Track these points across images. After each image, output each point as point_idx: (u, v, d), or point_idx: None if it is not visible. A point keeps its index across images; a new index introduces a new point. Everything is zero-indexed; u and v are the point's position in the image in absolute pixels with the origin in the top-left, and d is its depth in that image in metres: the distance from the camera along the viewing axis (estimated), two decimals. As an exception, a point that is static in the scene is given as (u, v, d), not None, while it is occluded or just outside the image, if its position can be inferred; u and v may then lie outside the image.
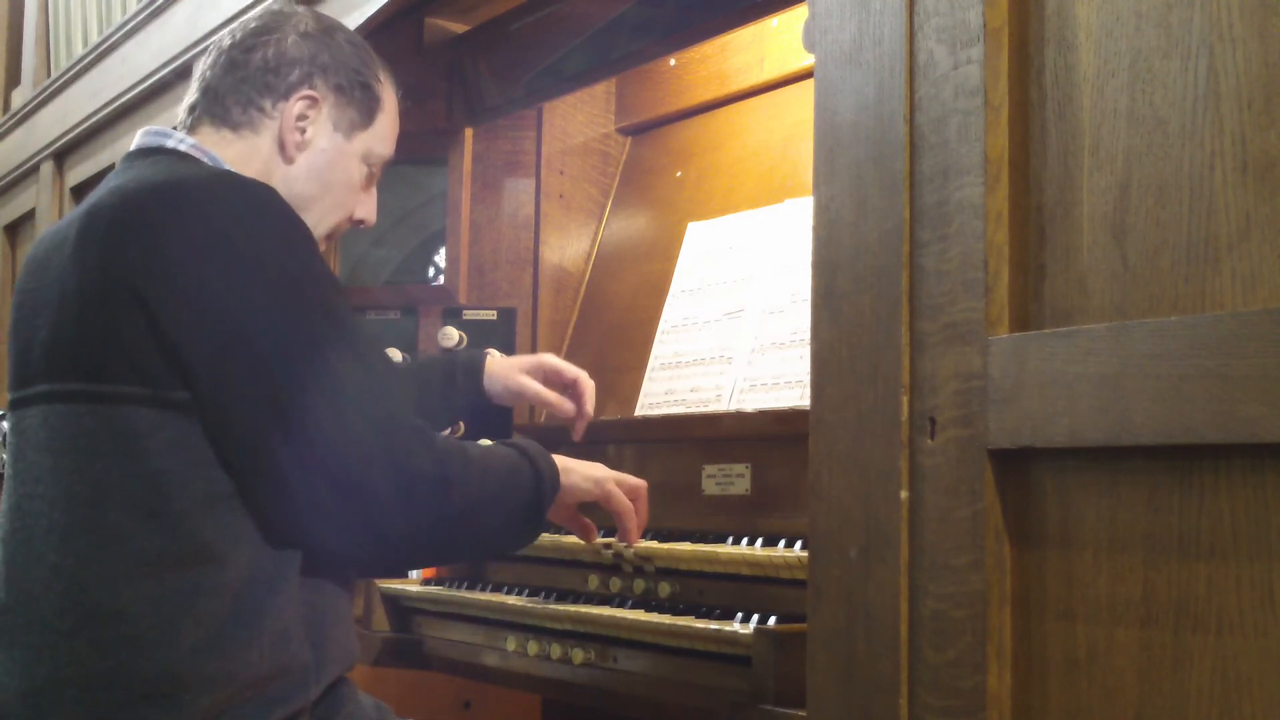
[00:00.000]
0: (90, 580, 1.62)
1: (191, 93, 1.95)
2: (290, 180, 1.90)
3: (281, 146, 1.91)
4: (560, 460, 1.96)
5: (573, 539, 2.29)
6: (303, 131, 1.91)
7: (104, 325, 1.65)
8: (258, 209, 1.69)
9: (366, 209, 2.03)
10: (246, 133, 1.90)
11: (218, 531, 1.65)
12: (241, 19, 2.00)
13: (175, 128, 1.94)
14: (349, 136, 1.95)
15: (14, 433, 1.74)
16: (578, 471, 2.01)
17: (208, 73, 1.93)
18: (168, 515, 1.63)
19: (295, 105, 1.90)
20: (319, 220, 1.94)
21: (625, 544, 2.13)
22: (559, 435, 2.74)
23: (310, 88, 1.91)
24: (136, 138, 1.91)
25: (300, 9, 2.01)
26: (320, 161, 1.93)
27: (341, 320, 1.70)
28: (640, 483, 2.10)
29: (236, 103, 1.90)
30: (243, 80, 1.90)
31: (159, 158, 1.83)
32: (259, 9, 2.92)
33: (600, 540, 2.23)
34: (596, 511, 2.20)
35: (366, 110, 1.97)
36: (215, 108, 1.90)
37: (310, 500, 1.67)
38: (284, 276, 1.67)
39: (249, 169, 1.87)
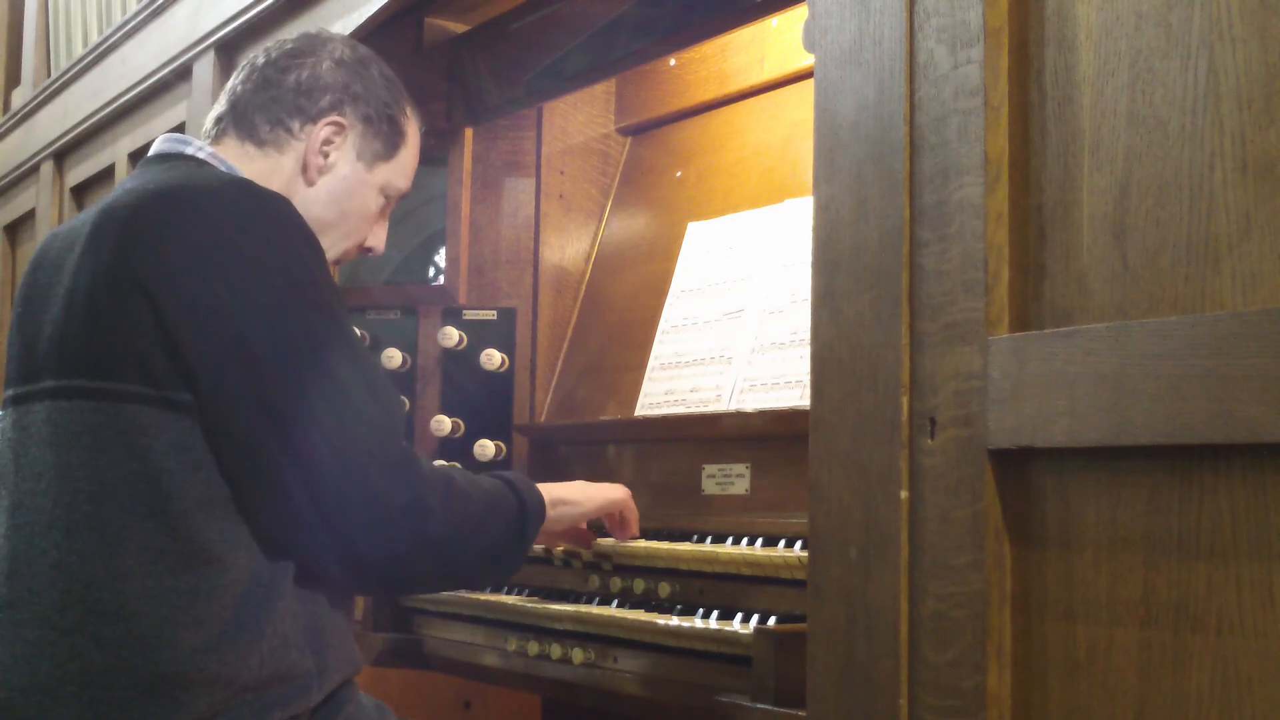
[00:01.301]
0: (92, 578, 1.62)
1: (219, 105, 1.98)
2: (308, 203, 1.93)
3: (304, 169, 1.94)
4: (548, 492, 1.99)
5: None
6: (326, 156, 1.95)
7: (112, 323, 1.66)
8: (267, 215, 1.71)
9: (377, 238, 2.07)
10: (271, 151, 1.93)
11: (217, 534, 1.66)
12: (277, 39, 2.03)
13: (203, 135, 1.97)
14: (370, 167, 1.99)
15: (16, 428, 1.75)
16: (566, 503, 2.08)
17: (238, 88, 1.96)
18: (168, 515, 1.63)
19: (322, 130, 1.94)
20: (331, 246, 1.97)
21: (626, 540, 2.21)
22: (558, 435, 2.75)
23: (339, 114, 1.95)
24: (156, 143, 1.93)
25: (337, 36, 2.05)
26: (340, 188, 1.96)
27: (343, 329, 1.72)
28: (625, 496, 2.18)
29: (265, 120, 1.93)
30: (274, 100, 1.93)
31: (176, 163, 1.86)
32: (259, 11, 2.93)
33: (603, 542, 2.26)
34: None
35: (390, 143, 2.00)
36: (243, 122, 1.94)
37: (302, 507, 1.67)
38: (288, 282, 1.68)
39: (269, 186, 1.88)
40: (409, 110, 2.06)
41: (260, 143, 1.93)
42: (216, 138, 1.95)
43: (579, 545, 2.21)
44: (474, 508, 1.81)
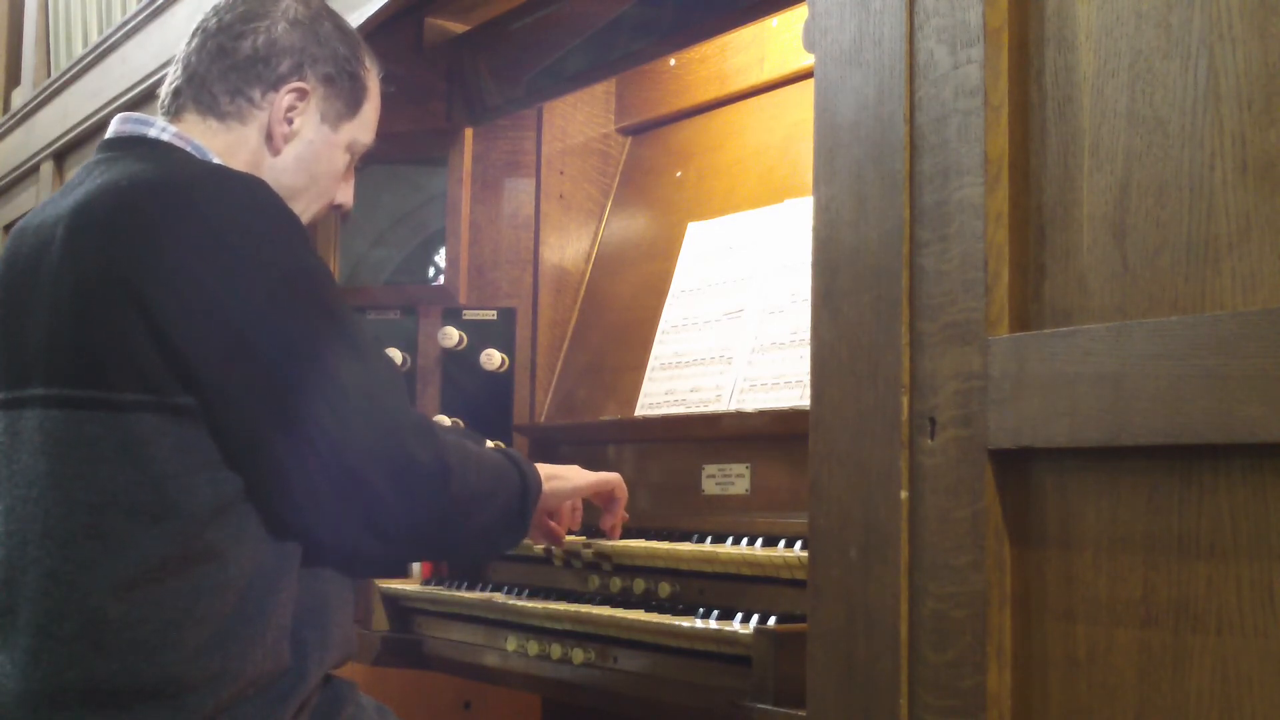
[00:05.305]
0: (92, 587, 1.60)
1: (175, 76, 1.91)
2: (278, 172, 1.89)
3: (269, 138, 1.89)
4: (541, 469, 2.01)
5: (572, 538, 2.30)
6: (291, 123, 1.90)
7: (104, 329, 1.62)
8: (254, 207, 1.68)
9: (346, 194, 2.03)
10: (234, 123, 1.88)
11: (221, 532, 1.64)
12: None
13: (160, 109, 1.92)
14: (335, 127, 1.94)
15: (7, 433, 1.71)
16: (559, 478, 2.10)
17: (193, 57, 1.90)
18: (173, 520, 1.62)
19: (285, 97, 1.89)
20: (303, 210, 1.93)
21: (615, 536, 2.24)
22: (558, 435, 2.75)
23: (300, 79, 1.90)
24: (113, 124, 1.87)
25: None
26: (307, 153, 1.92)
27: (338, 316, 1.70)
28: (617, 478, 2.20)
29: (225, 91, 1.87)
30: (231, 69, 1.87)
31: (144, 150, 1.80)
32: None
33: (577, 539, 2.28)
34: (588, 512, 2.24)
35: (353, 100, 1.96)
36: (203, 95, 1.88)
37: (313, 498, 1.67)
38: (283, 276, 1.66)
39: (235, 160, 1.85)
40: (367, 60, 2.00)
41: (222, 115, 1.87)
42: (176, 113, 1.89)
43: (549, 540, 2.22)
44: (485, 473, 1.84)
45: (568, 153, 2.96)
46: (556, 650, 2.20)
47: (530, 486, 1.92)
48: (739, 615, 1.98)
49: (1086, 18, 1.33)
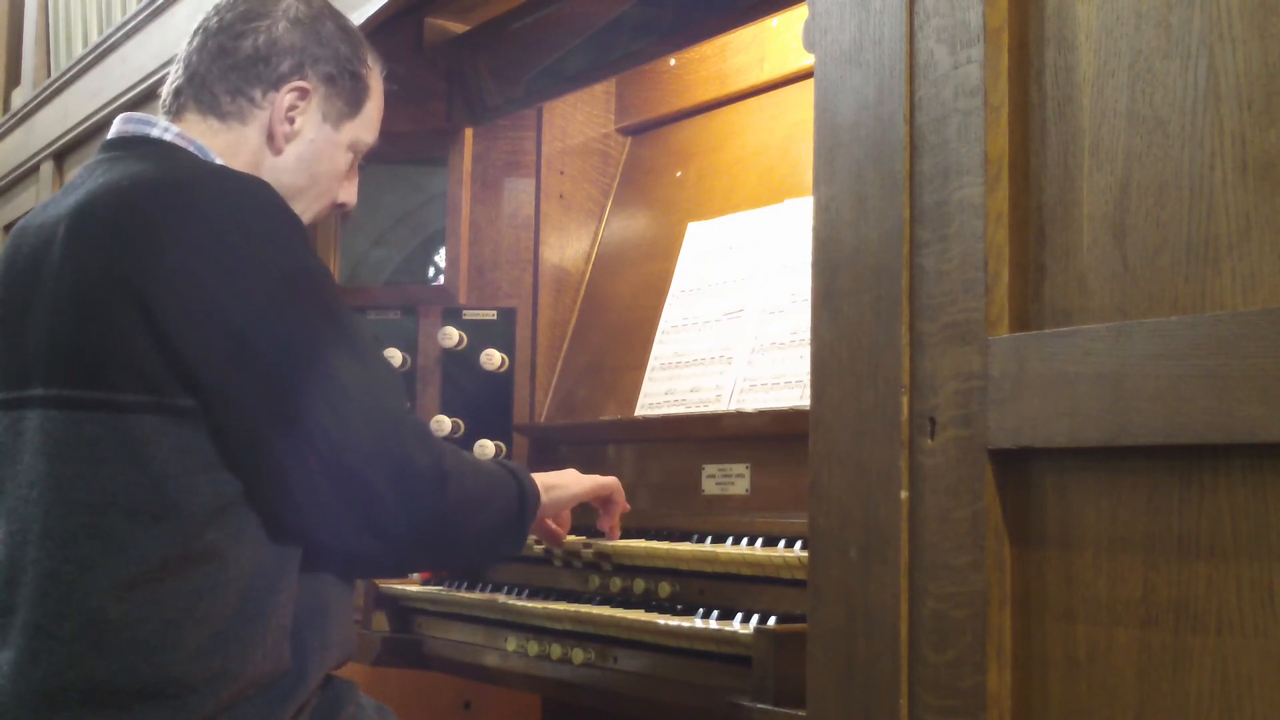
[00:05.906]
0: (92, 587, 1.60)
1: (176, 76, 1.92)
2: (279, 171, 1.89)
3: (270, 138, 1.89)
4: (539, 479, 2.02)
5: (573, 538, 2.30)
6: (292, 122, 1.90)
7: (105, 330, 1.63)
8: (255, 207, 1.68)
9: (348, 193, 2.03)
10: (234, 123, 1.88)
11: (221, 532, 1.64)
12: None
13: (161, 108, 1.92)
14: (337, 127, 1.94)
15: (9, 434, 1.71)
16: (558, 487, 2.10)
17: (194, 57, 1.90)
18: (174, 520, 1.62)
19: (285, 96, 1.89)
20: (305, 209, 1.93)
21: (609, 540, 2.25)
22: (558, 435, 2.75)
23: (301, 78, 1.89)
24: (115, 124, 1.87)
25: None
26: (308, 153, 1.92)
27: (338, 317, 1.70)
28: (614, 482, 2.20)
29: (225, 91, 1.87)
30: (231, 68, 1.87)
31: (146, 149, 1.81)
32: None
33: (577, 540, 2.28)
34: (582, 511, 2.26)
35: (355, 100, 1.96)
36: (203, 95, 1.88)
37: (313, 499, 1.67)
38: (283, 276, 1.66)
39: (237, 160, 1.85)
40: (369, 60, 1.99)
41: (223, 115, 1.87)
42: (177, 113, 1.89)
43: (550, 542, 2.23)
44: (482, 479, 1.85)
45: (568, 153, 2.96)
46: (556, 650, 2.20)
47: (528, 496, 1.93)
48: (739, 615, 1.98)
49: (1086, 18, 1.33)
